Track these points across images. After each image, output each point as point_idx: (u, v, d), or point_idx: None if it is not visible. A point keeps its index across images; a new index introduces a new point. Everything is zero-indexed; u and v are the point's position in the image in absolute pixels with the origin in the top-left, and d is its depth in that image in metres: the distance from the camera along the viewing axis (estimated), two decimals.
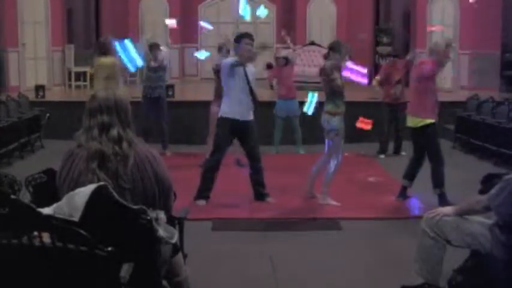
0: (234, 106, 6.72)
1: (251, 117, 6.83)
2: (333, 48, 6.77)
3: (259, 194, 6.96)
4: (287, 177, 8.06)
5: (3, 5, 12.49)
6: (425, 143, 6.79)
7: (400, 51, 12.42)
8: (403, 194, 7.03)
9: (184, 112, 10.91)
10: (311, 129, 9.33)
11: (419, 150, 6.88)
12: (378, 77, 9.83)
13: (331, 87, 6.64)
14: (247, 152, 6.99)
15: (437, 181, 6.70)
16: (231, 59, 6.89)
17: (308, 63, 13.50)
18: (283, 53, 10.15)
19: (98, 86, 7.41)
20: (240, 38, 6.71)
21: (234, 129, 6.79)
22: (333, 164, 6.74)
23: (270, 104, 9.89)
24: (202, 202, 6.79)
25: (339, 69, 6.75)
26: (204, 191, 6.86)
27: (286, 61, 9.84)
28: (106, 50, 7.76)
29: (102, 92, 3.20)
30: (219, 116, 6.91)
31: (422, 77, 6.65)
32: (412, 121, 6.80)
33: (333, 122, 6.65)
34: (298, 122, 9.89)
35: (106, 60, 7.70)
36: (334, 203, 6.78)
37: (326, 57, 6.85)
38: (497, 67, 13.19)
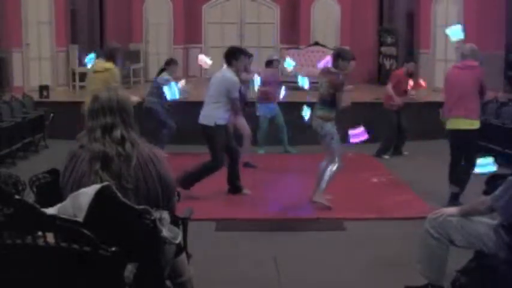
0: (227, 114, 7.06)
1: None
2: (341, 55, 6.65)
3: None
4: (288, 178, 8.06)
5: (7, 5, 12.51)
6: (470, 143, 6.67)
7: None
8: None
9: (186, 112, 10.90)
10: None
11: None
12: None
13: (332, 97, 6.54)
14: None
15: (460, 180, 6.64)
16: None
17: (312, 63, 13.47)
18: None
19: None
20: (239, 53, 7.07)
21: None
22: (331, 168, 6.67)
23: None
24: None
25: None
26: (193, 181, 6.90)
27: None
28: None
29: (104, 93, 3.19)
30: (216, 124, 6.93)
31: (482, 83, 6.59)
32: (469, 123, 6.59)
33: (326, 127, 6.61)
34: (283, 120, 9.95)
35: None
36: (326, 203, 6.67)
37: (334, 63, 6.64)
38: (501, 68, 13.13)
